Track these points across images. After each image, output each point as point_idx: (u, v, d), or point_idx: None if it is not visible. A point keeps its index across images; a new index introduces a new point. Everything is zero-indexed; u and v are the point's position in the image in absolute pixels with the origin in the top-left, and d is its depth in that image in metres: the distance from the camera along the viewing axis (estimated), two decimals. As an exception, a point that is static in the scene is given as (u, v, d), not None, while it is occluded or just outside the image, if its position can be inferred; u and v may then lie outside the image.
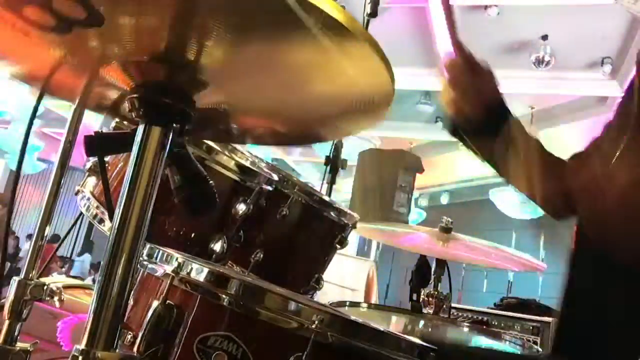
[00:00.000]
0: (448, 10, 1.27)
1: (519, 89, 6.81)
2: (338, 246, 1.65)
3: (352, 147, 5.59)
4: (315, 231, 1.62)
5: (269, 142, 1.16)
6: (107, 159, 1.39)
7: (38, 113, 1.17)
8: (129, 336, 0.86)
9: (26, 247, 9.75)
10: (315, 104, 0.89)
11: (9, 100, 8.60)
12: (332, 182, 2.97)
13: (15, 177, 1.17)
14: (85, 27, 0.67)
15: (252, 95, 0.88)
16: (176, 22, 0.68)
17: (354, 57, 0.70)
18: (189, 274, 0.87)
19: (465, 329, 1.94)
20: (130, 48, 0.74)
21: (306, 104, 0.91)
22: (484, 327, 2.15)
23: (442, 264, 2.11)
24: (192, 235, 1.34)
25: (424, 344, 0.95)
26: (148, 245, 0.98)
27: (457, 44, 1.28)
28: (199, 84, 0.79)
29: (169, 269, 0.88)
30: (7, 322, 1.11)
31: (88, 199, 1.40)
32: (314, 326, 0.79)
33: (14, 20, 0.67)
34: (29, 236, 10.26)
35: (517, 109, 7.45)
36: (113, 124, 1.34)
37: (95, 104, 1.04)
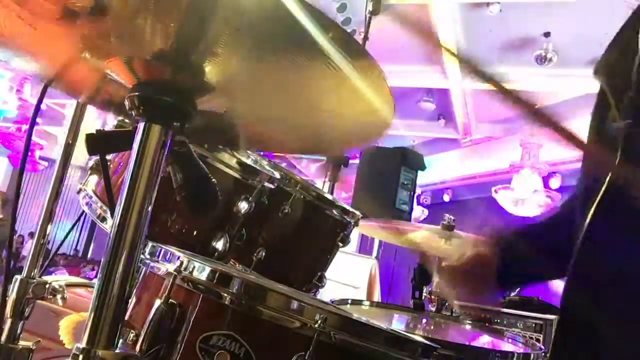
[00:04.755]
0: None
1: (521, 86, 6.81)
2: (340, 244, 1.65)
3: (354, 145, 5.55)
4: (318, 229, 1.62)
5: (276, 150, 1.17)
6: (109, 157, 1.39)
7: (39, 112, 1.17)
8: (132, 335, 0.86)
9: (28, 246, 9.76)
10: (325, 121, 0.90)
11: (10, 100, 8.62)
12: (334, 179, 2.97)
13: (19, 175, 1.17)
14: (89, 19, 0.67)
15: (260, 106, 0.88)
16: (185, 26, 0.68)
17: (366, 78, 0.71)
18: (191, 272, 0.86)
19: (468, 327, 1.94)
20: (136, 45, 0.73)
21: (315, 120, 0.91)
22: (487, 324, 2.15)
23: (444, 261, 2.11)
24: (194, 233, 1.34)
25: (427, 342, 0.95)
26: (150, 244, 0.98)
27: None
28: (203, 87, 0.79)
29: (171, 267, 0.88)
30: (9, 321, 1.11)
31: (90, 197, 1.40)
32: (316, 325, 0.79)
33: (19, 10, 0.67)
34: (31, 235, 10.27)
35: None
36: (115, 122, 1.33)
37: (100, 101, 1.04)
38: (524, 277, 1.41)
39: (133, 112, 0.79)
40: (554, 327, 2.87)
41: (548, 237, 1.35)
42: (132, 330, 0.86)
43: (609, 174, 1.06)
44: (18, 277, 1.15)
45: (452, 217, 2.03)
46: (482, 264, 1.29)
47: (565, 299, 1.11)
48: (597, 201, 1.06)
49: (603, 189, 1.06)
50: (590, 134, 1.20)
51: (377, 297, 4.01)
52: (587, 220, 1.08)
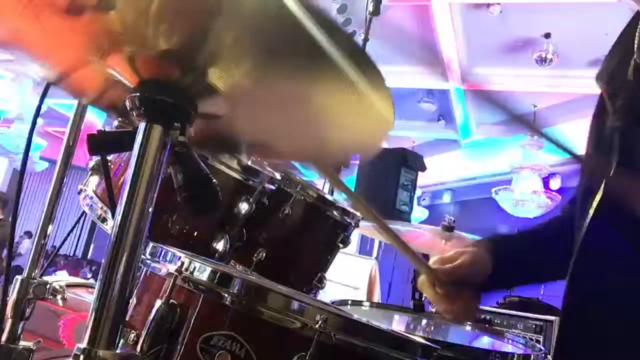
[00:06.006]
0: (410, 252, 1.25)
1: (522, 87, 6.81)
2: (341, 245, 1.65)
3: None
4: (318, 230, 1.62)
5: (278, 158, 1.17)
6: (110, 157, 1.39)
7: (41, 112, 1.17)
8: (132, 335, 0.86)
9: (24, 245, 9.73)
10: (330, 130, 0.90)
11: (12, 99, 8.61)
12: (334, 180, 2.96)
13: (20, 175, 1.17)
14: (96, 12, 0.67)
15: (264, 113, 0.88)
16: (193, 25, 0.68)
17: (369, 85, 0.71)
18: (192, 273, 0.87)
19: (468, 328, 1.94)
20: (141, 40, 0.73)
21: (320, 129, 0.91)
22: (487, 325, 2.15)
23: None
24: (195, 234, 1.34)
25: (427, 343, 0.95)
26: (151, 244, 0.98)
27: (424, 267, 1.25)
28: (206, 89, 0.78)
29: (172, 268, 0.88)
30: (10, 321, 1.11)
31: (91, 198, 1.40)
32: (317, 326, 0.79)
33: (25, 4, 0.67)
34: (28, 234, 10.26)
35: (520, 107, 7.45)
36: (116, 122, 1.34)
37: (102, 102, 1.04)
38: (520, 278, 1.38)
39: (134, 113, 0.79)
40: (555, 329, 2.87)
41: (548, 240, 1.33)
42: (132, 331, 0.86)
43: (603, 183, 1.06)
44: (18, 277, 1.16)
45: (452, 218, 2.03)
46: (477, 267, 1.25)
47: (566, 308, 1.11)
48: (592, 209, 1.06)
49: (598, 198, 1.06)
50: (589, 140, 1.20)
51: (377, 298, 4.01)
52: (584, 228, 1.08)
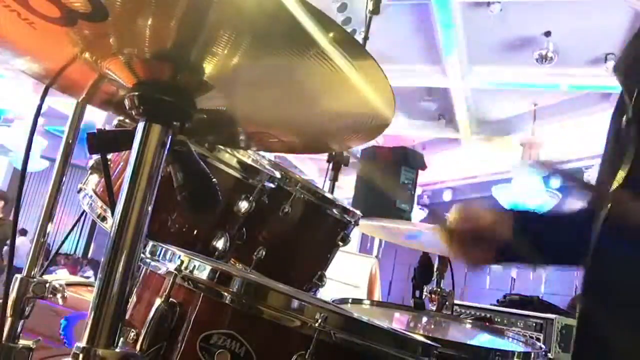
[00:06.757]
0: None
1: (522, 85, 6.81)
2: (340, 243, 1.65)
3: (355, 144, 5.55)
4: (318, 228, 1.62)
5: (274, 149, 1.17)
6: (109, 156, 1.39)
7: (42, 111, 1.17)
8: (132, 334, 0.86)
9: (18, 243, 9.69)
10: (324, 119, 0.90)
11: (12, 99, 8.61)
12: (334, 179, 2.96)
13: (22, 175, 1.17)
14: (89, 21, 0.67)
15: (260, 105, 0.89)
16: (184, 25, 0.68)
17: (363, 75, 0.71)
18: (191, 271, 0.86)
19: (469, 326, 1.94)
20: (136, 45, 0.73)
21: (315, 119, 0.91)
22: (487, 323, 2.15)
23: (444, 260, 2.11)
24: (195, 232, 1.34)
25: (428, 341, 0.95)
26: (150, 243, 0.98)
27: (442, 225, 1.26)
28: (202, 86, 0.79)
29: (171, 266, 0.88)
30: (9, 320, 1.11)
31: (90, 196, 1.40)
32: (317, 324, 0.79)
33: (20, 10, 0.67)
34: (21, 231, 10.24)
35: (520, 105, 7.45)
36: (115, 121, 1.33)
37: (100, 101, 1.04)
38: (532, 253, 1.37)
39: (133, 112, 0.79)
40: (554, 327, 2.88)
41: (570, 227, 1.32)
42: (132, 329, 0.86)
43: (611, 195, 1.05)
44: (18, 276, 1.15)
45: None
46: (496, 230, 1.26)
47: (582, 313, 1.11)
48: (603, 217, 1.06)
49: (608, 206, 1.05)
50: (609, 133, 1.20)
51: (377, 296, 4.01)
52: (595, 235, 1.08)
